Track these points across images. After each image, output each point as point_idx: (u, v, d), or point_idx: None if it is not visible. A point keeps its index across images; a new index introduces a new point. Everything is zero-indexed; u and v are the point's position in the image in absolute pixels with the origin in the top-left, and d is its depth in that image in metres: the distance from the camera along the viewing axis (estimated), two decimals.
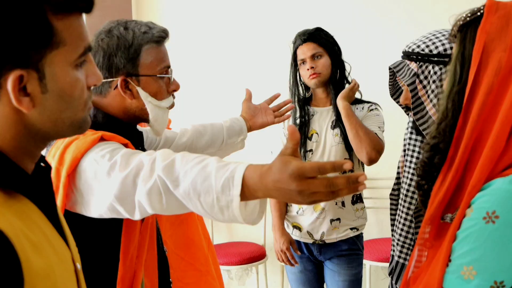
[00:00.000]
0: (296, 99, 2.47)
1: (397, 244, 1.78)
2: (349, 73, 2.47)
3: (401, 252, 1.78)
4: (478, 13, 1.06)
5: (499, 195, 0.95)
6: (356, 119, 2.27)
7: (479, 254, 0.94)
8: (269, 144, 2.65)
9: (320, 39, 2.38)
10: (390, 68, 1.70)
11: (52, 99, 0.80)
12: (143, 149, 1.48)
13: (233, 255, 3.47)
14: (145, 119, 1.43)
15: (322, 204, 2.40)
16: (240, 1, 3.95)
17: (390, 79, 1.79)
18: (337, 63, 2.40)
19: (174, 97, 1.51)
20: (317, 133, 2.43)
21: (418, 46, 1.56)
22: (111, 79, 1.37)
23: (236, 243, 3.78)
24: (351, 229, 2.45)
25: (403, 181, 1.80)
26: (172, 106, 1.51)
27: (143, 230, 1.40)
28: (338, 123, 2.38)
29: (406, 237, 1.76)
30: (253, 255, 3.51)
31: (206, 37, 3.98)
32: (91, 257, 1.31)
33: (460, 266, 0.96)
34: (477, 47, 1.03)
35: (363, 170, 2.48)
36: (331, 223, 2.42)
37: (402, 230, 1.76)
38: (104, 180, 1.21)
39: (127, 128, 1.44)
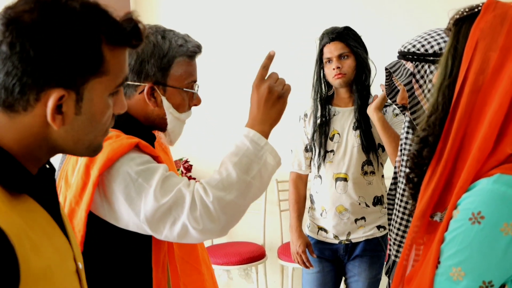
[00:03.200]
0: (318, 97, 2.46)
1: (394, 243, 1.78)
2: (374, 76, 2.44)
3: (397, 251, 1.78)
4: (476, 10, 1.05)
5: (483, 195, 0.95)
6: (393, 132, 2.20)
7: (467, 255, 0.95)
8: (290, 142, 2.64)
9: (348, 39, 2.36)
10: (386, 69, 1.71)
11: (81, 121, 0.84)
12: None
13: (233, 255, 3.47)
14: (162, 127, 1.45)
15: (345, 205, 2.40)
16: (237, 1, 3.95)
17: (386, 79, 1.80)
18: (363, 65, 2.38)
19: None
20: (338, 134, 2.42)
21: (414, 46, 1.56)
22: (138, 84, 1.38)
23: (236, 243, 3.77)
24: (378, 228, 2.44)
25: (399, 181, 1.80)
26: None
27: None
28: (360, 124, 2.36)
29: (402, 237, 1.76)
30: (252, 255, 3.50)
31: (207, 37, 3.97)
32: (122, 269, 1.36)
33: (449, 268, 0.97)
34: (469, 44, 1.02)
35: (383, 171, 2.47)
36: (355, 222, 2.42)
37: (398, 229, 1.77)
38: (136, 200, 1.26)
39: (145, 131, 1.45)
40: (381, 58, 3.60)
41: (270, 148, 1.31)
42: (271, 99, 1.33)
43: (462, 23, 1.06)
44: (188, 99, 1.45)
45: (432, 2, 3.49)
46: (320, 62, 2.43)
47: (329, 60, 2.38)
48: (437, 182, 1.03)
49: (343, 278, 2.58)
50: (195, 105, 1.49)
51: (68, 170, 1.37)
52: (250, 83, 1.37)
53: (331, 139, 2.42)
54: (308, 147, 2.51)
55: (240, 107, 4.03)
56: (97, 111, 0.85)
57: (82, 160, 1.32)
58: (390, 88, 1.83)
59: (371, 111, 2.23)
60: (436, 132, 1.06)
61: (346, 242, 2.45)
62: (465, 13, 1.06)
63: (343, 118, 2.43)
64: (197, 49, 1.43)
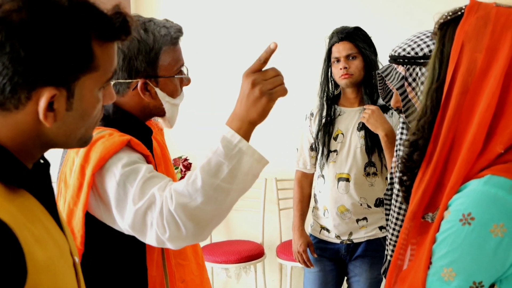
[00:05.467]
0: (324, 96, 2.46)
1: (390, 243, 1.80)
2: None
3: (393, 251, 1.80)
4: (459, 13, 1.07)
5: (474, 196, 0.96)
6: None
7: (457, 256, 0.96)
8: (295, 141, 2.64)
9: (357, 39, 2.36)
10: (378, 73, 1.72)
11: (72, 117, 0.85)
12: (151, 150, 1.50)
13: (232, 253, 3.49)
14: (160, 115, 1.47)
15: (346, 206, 2.41)
16: (237, 1, 3.93)
17: (379, 83, 1.81)
18: (372, 66, 2.38)
19: None
20: (342, 134, 2.42)
21: (404, 50, 1.57)
22: (130, 81, 1.38)
23: (235, 241, 3.79)
24: (380, 228, 2.44)
25: (395, 181, 1.82)
26: None
27: None
28: (365, 125, 2.35)
29: (397, 237, 1.78)
30: (251, 254, 3.52)
31: (209, 37, 3.95)
32: (118, 268, 1.38)
33: (440, 268, 0.98)
34: (455, 47, 1.04)
35: (387, 173, 2.47)
36: (357, 223, 2.43)
37: (394, 229, 1.78)
38: (122, 201, 1.26)
39: (142, 127, 1.46)
40: (381, 58, 3.61)
41: (245, 145, 1.17)
42: (252, 96, 1.16)
43: (447, 27, 1.08)
44: (179, 83, 1.46)
45: (432, 3, 3.47)
46: (328, 61, 2.43)
47: (337, 59, 2.38)
48: (427, 183, 1.04)
49: (345, 278, 2.59)
50: (186, 85, 1.49)
51: (66, 172, 1.38)
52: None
53: (335, 139, 2.43)
54: (313, 146, 2.52)
55: None
56: (88, 106, 0.86)
57: (78, 161, 1.32)
58: (385, 92, 1.84)
59: (379, 125, 2.22)
60: (426, 135, 1.07)
61: (348, 242, 2.46)
62: (449, 17, 1.08)
63: (348, 118, 2.43)
64: (179, 33, 1.42)
